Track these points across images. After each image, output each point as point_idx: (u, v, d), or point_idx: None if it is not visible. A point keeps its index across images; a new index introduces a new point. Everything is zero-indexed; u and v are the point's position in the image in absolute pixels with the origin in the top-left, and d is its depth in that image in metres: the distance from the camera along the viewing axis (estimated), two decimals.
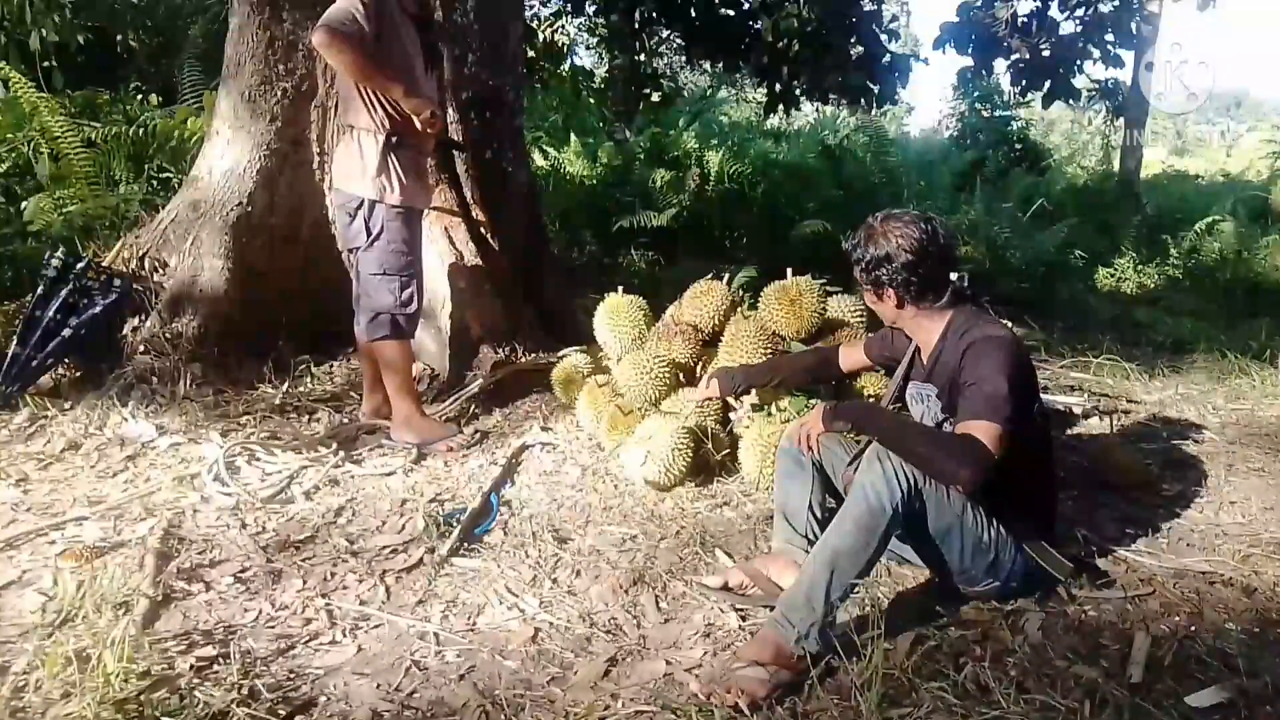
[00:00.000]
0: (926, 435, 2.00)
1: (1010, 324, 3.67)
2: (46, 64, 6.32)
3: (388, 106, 2.94)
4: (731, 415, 3.03)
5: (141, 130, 5.15)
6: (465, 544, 2.46)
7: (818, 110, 13.38)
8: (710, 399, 2.84)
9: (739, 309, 3.22)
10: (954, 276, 2.10)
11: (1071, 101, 9.80)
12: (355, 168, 2.97)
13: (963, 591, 2.12)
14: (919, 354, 2.24)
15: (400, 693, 1.83)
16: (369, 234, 2.98)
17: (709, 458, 2.88)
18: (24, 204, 4.56)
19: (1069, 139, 17.82)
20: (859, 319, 3.17)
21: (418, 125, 2.96)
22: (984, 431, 1.87)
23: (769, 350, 2.99)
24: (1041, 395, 3.56)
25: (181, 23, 7.58)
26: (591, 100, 10.47)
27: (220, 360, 3.61)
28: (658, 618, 2.12)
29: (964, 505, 1.97)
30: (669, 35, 11.08)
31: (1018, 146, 12.59)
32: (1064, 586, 2.16)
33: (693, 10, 8.79)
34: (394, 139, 2.95)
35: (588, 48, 15.26)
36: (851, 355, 2.62)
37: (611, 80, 11.23)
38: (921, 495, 1.91)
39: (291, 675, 1.87)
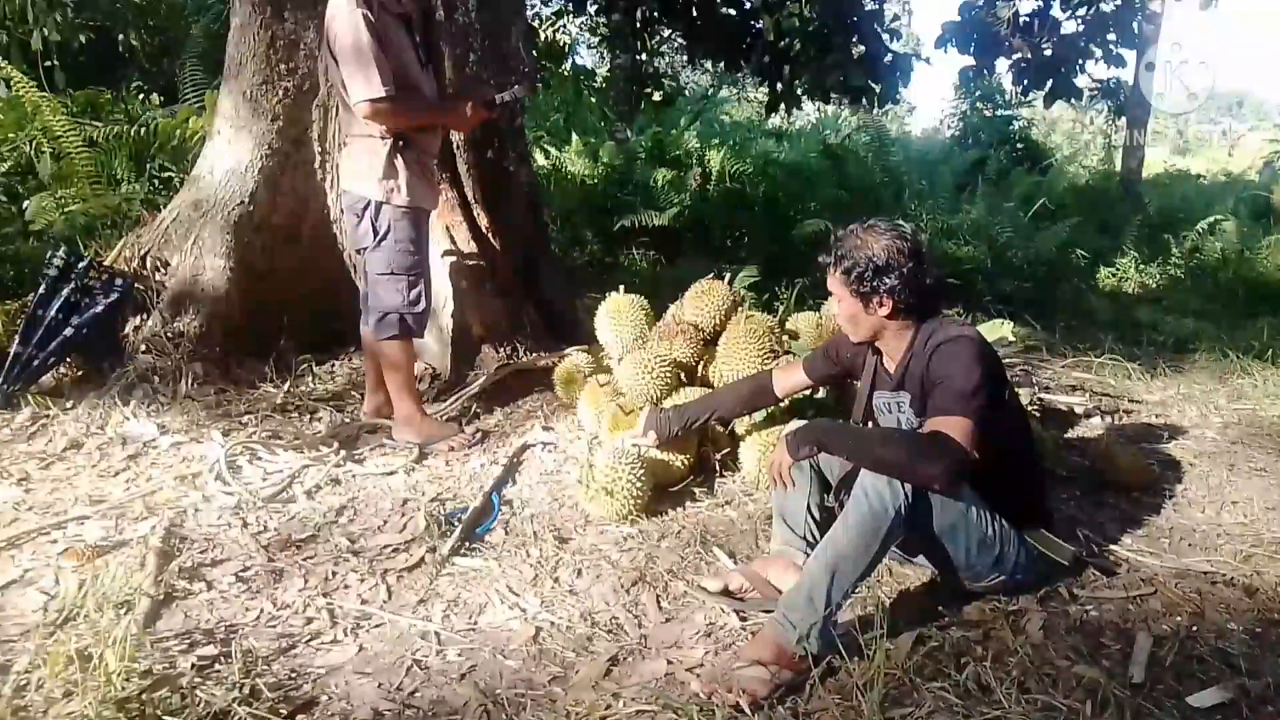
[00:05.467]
0: (895, 441, 1.97)
1: (1008, 322, 3.69)
2: (48, 63, 6.34)
3: None
4: None
5: (143, 129, 5.15)
6: (466, 543, 2.46)
7: (819, 110, 13.38)
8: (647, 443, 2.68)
9: (740, 309, 3.22)
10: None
11: (1073, 101, 9.78)
12: (362, 169, 2.97)
13: (968, 588, 2.13)
14: (882, 364, 2.23)
15: (401, 692, 1.83)
16: (376, 234, 2.99)
17: (709, 457, 2.88)
18: (26, 203, 4.57)
19: (1070, 138, 17.83)
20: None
21: (466, 127, 3.15)
22: (954, 426, 1.87)
23: (769, 351, 2.99)
24: (1042, 395, 3.58)
25: (183, 22, 7.58)
26: (593, 100, 10.46)
27: (222, 359, 3.61)
28: (659, 617, 2.13)
29: (967, 503, 1.97)
30: (670, 35, 11.08)
31: (1019, 146, 12.59)
32: (1066, 583, 2.16)
33: (694, 9, 8.77)
34: (400, 141, 2.96)
35: (589, 47, 15.28)
36: (788, 378, 2.54)
37: (613, 80, 11.23)
38: (925, 496, 1.91)
39: (293, 674, 1.87)
